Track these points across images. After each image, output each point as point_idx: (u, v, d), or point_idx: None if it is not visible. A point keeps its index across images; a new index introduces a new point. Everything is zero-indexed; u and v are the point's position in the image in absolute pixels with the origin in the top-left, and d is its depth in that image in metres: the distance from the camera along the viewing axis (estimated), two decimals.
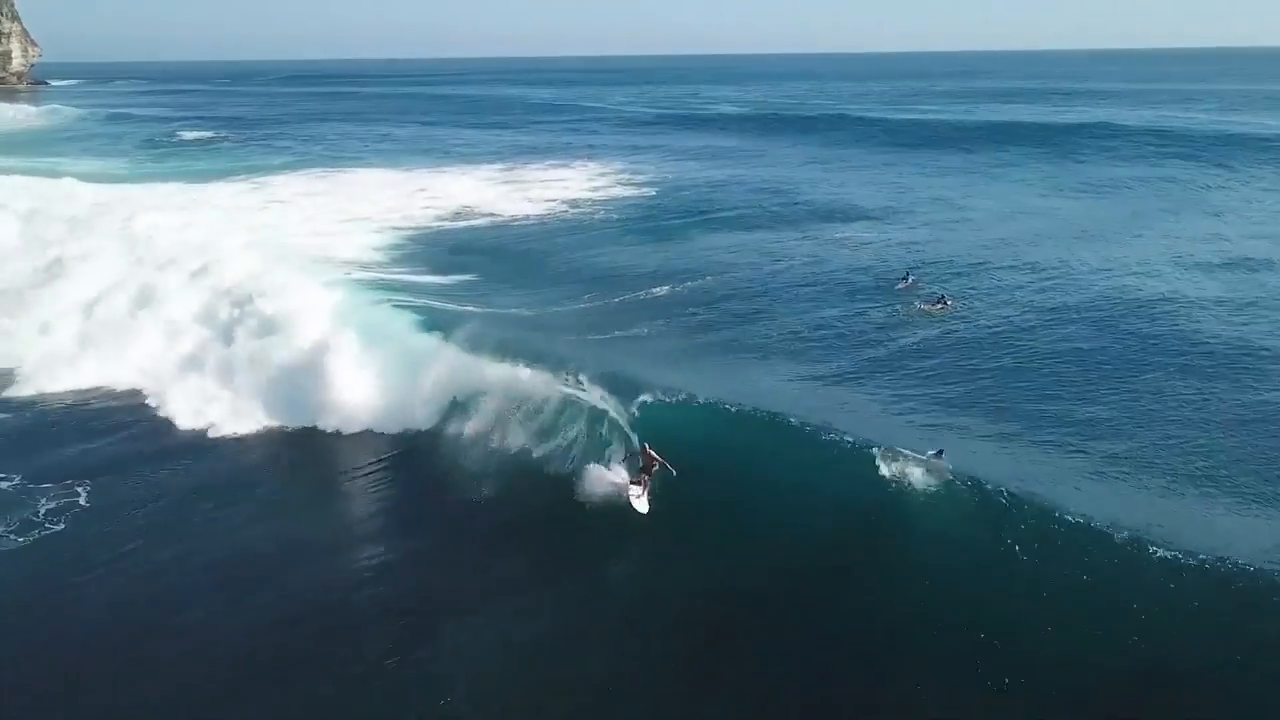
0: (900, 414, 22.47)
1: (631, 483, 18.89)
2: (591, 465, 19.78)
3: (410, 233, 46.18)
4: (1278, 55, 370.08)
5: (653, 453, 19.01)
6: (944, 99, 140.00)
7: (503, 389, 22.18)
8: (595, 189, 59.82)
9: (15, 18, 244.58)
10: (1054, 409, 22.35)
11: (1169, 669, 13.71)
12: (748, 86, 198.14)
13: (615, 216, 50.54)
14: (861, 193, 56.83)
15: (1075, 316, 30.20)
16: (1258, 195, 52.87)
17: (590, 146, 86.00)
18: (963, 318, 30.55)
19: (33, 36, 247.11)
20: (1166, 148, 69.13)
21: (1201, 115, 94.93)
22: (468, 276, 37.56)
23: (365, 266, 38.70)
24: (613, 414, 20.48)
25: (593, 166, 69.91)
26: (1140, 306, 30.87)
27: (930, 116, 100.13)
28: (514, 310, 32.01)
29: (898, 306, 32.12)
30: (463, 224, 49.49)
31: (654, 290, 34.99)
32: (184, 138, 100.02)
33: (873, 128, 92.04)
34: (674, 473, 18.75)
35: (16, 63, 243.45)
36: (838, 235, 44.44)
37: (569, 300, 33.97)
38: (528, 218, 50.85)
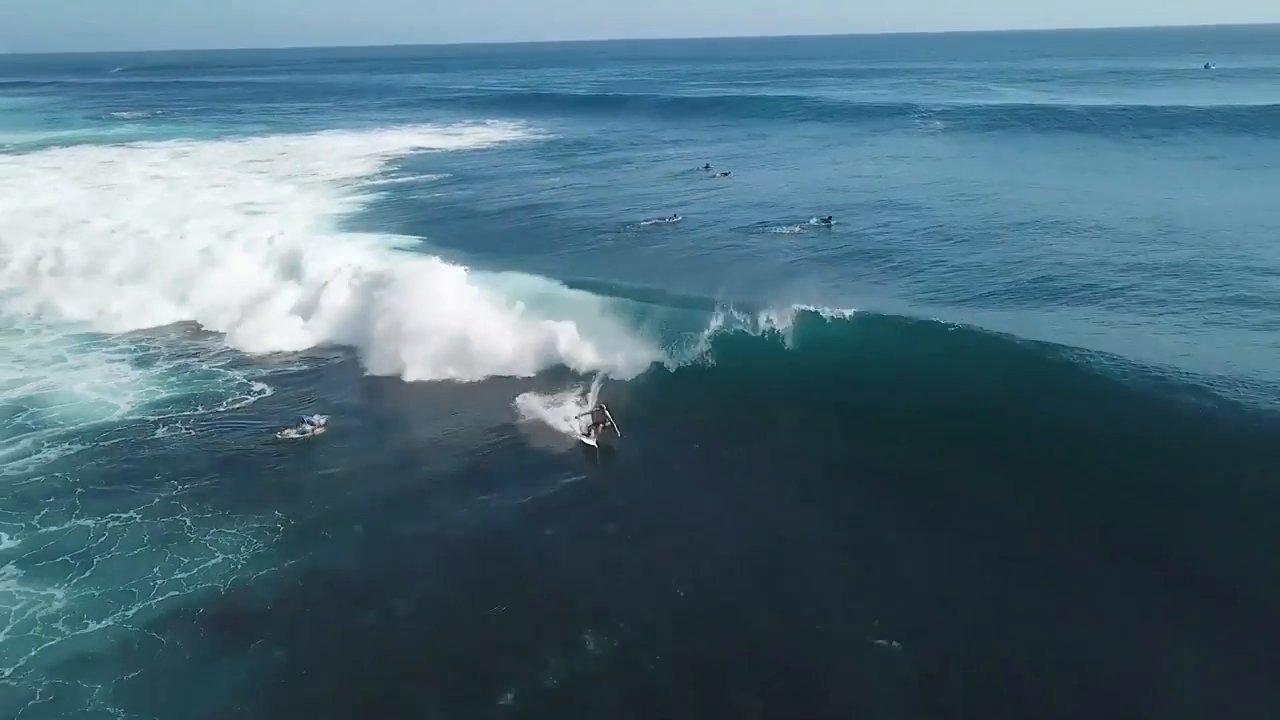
0: (699, 211, 49.07)
1: (585, 430, 22.09)
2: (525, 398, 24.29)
3: (395, 158, 70.45)
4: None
5: (607, 412, 22.04)
6: (723, 79, 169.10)
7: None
8: (512, 135, 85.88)
9: None
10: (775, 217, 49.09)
11: None
12: (597, 70, 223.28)
13: (531, 147, 76.85)
14: (686, 134, 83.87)
15: (795, 184, 57.98)
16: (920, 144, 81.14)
17: (502, 110, 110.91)
18: (735, 181, 57.62)
19: None
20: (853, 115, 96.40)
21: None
22: (446, 175, 62.49)
23: (379, 178, 62.65)
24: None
25: (503, 124, 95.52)
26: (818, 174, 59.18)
27: (720, 94, 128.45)
28: (488, 191, 56.91)
29: (702, 177, 59.29)
30: (427, 152, 74.42)
31: (559, 180, 60.68)
32: (122, 115, 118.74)
33: (705, 100, 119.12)
34: (619, 434, 21.63)
35: None
36: (670, 152, 71.54)
37: (518, 182, 59.44)
38: (473, 149, 76.46)
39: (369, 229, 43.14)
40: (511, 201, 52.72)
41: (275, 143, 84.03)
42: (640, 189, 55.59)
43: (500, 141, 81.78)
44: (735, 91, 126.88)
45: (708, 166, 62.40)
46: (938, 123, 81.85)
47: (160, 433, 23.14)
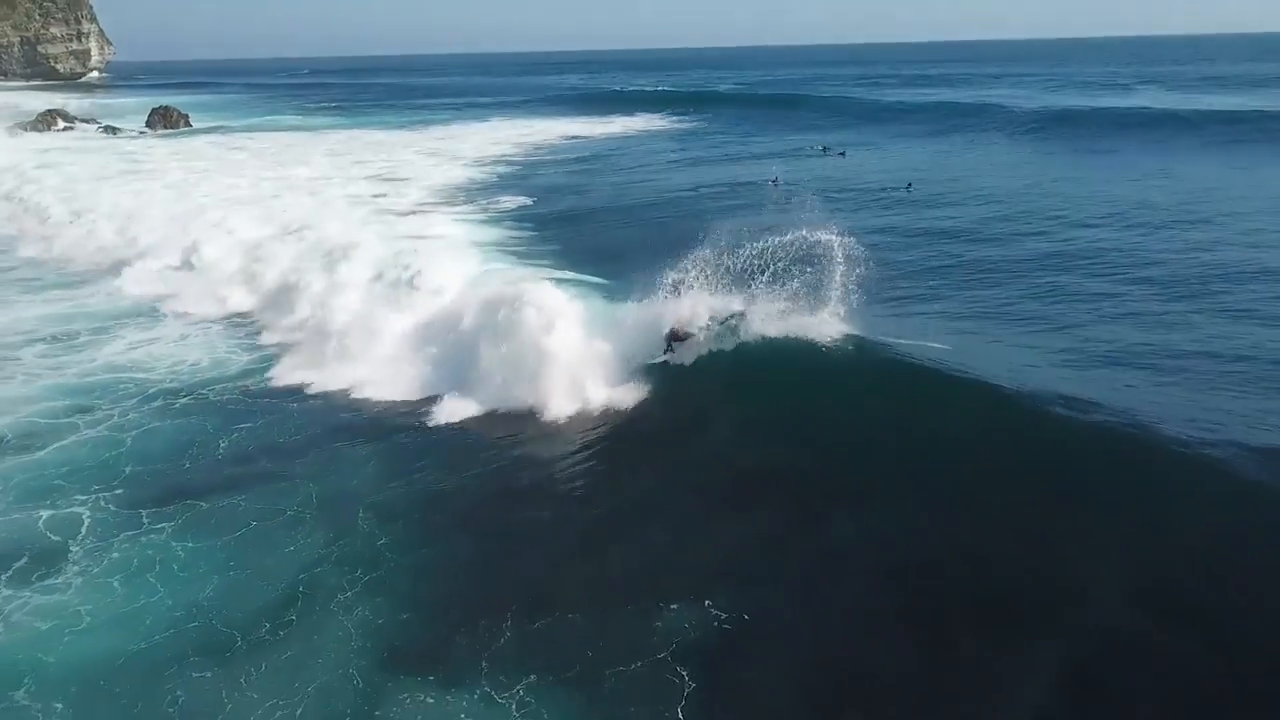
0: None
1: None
2: None
3: (538, 144, 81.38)
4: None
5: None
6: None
7: None
8: (656, 126, 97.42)
9: (94, 19, 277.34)
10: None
11: None
12: (756, 71, 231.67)
13: (668, 134, 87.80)
14: (818, 123, 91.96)
15: (900, 163, 66.06)
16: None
17: (653, 106, 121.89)
18: (850, 159, 65.99)
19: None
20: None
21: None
22: (582, 154, 73.41)
23: (518, 156, 73.20)
24: None
25: (650, 116, 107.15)
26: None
27: (863, 95, 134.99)
28: (608, 165, 66.87)
29: (817, 155, 68.08)
30: (571, 139, 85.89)
31: (678, 157, 70.58)
32: (310, 106, 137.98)
33: (844, 99, 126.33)
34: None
35: (95, 60, 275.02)
36: (795, 137, 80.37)
37: (639, 159, 69.65)
38: (613, 135, 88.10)
39: (490, 195, 51.24)
40: (624, 175, 61.29)
41: (437, 130, 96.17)
42: (756, 163, 64.51)
43: (642, 130, 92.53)
44: (889, 94, 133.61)
45: (825, 148, 71.00)
46: (1031, 115, 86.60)
47: None
